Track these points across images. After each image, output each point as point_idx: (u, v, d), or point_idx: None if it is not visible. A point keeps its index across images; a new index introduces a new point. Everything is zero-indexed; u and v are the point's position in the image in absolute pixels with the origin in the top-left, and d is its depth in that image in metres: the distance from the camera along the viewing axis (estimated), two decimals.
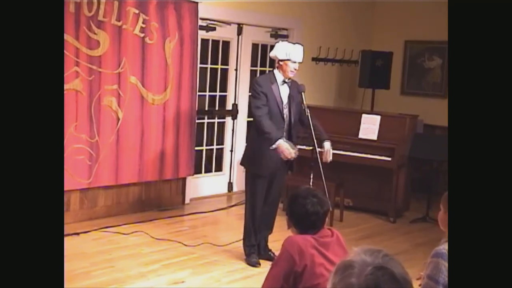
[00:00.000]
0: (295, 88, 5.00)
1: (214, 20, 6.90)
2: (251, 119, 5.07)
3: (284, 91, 4.96)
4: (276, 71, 4.98)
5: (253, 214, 5.04)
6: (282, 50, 4.88)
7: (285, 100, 4.95)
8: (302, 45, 4.99)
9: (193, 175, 6.80)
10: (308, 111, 4.86)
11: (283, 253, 2.89)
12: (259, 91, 4.85)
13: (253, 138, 5.07)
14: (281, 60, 4.89)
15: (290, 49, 4.87)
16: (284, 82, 4.95)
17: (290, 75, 4.93)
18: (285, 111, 4.96)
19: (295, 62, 4.88)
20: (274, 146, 4.75)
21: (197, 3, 6.44)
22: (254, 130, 5.05)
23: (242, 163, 5.26)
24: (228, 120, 7.44)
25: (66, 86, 5.49)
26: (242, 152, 7.39)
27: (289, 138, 5.01)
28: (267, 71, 7.31)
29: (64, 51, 5.41)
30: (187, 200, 6.85)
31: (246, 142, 5.21)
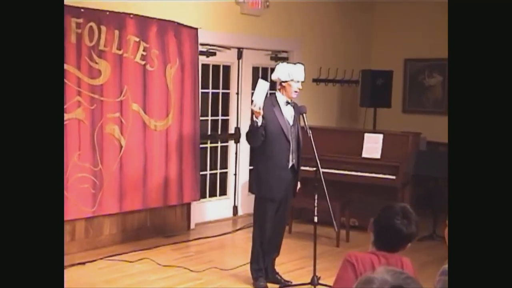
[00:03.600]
0: (297, 110, 5.02)
1: (214, 45, 6.95)
2: None
3: (288, 113, 4.97)
4: (278, 94, 4.99)
5: (262, 239, 5.01)
6: (284, 71, 4.89)
7: (290, 121, 4.95)
8: (303, 64, 5.01)
9: (199, 199, 6.80)
10: (310, 132, 4.86)
11: (342, 265, 2.79)
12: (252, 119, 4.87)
13: (259, 163, 5.05)
14: (284, 81, 4.91)
15: (292, 70, 4.89)
16: (287, 103, 4.96)
17: (294, 95, 4.94)
18: (291, 132, 4.96)
19: (298, 82, 4.90)
20: (258, 121, 4.72)
21: (196, 29, 6.50)
22: (258, 153, 5.04)
23: (250, 190, 5.24)
24: (231, 143, 7.46)
25: (68, 116, 5.53)
26: (247, 176, 7.52)
27: (298, 159, 5.01)
28: (268, 94, 7.34)
29: (66, 81, 5.46)
30: (192, 225, 6.83)
31: (253, 167, 5.20)
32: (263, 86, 4.70)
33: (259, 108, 4.66)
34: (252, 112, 4.77)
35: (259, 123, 4.72)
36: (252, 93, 7.49)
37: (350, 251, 2.96)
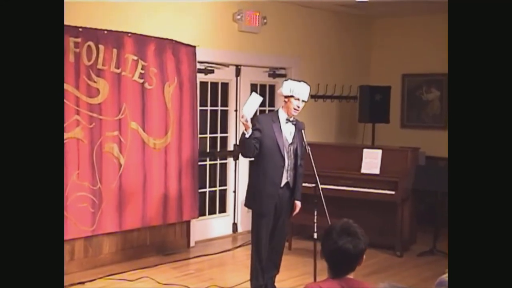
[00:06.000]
0: (296, 126, 5.02)
1: (212, 63, 6.97)
2: (253, 159, 5.08)
3: (288, 130, 4.96)
4: (280, 110, 4.99)
5: (259, 254, 4.99)
6: (287, 86, 4.91)
7: (289, 139, 4.95)
8: (308, 85, 5.00)
9: (198, 217, 6.78)
10: (309, 148, 4.86)
11: None
12: (255, 126, 4.86)
13: (253, 176, 5.06)
14: (286, 97, 4.92)
15: (294, 86, 4.89)
16: (288, 120, 4.95)
17: (293, 112, 4.92)
18: (289, 150, 4.94)
19: (298, 100, 4.90)
20: (247, 133, 4.71)
21: (194, 46, 6.52)
22: (253, 168, 5.05)
23: (245, 204, 5.24)
24: (230, 161, 7.45)
25: (67, 135, 5.53)
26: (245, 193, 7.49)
27: (294, 178, 5.00)
28: (266, 111, 7.36)
29: (65, 100, 5.46)
30: (192, 243, 6.81)
31: (248, 181, 5.20)
32: (255, 99, 4.70)
33: (246, 121, 4.67)
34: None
35: (247, 135, 4.73)
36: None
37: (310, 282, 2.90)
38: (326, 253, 2.78)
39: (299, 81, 5.06)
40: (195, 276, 5.81)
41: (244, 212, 7.48)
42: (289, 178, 4.96)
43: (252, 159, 5.06)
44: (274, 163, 4.87)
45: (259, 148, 4.83)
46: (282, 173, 4.91)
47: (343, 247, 2.70)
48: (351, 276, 2.78)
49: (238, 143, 4.96)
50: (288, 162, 4.93)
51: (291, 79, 5.13)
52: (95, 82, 5.74)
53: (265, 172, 4.89)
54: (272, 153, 4.86)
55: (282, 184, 4.93)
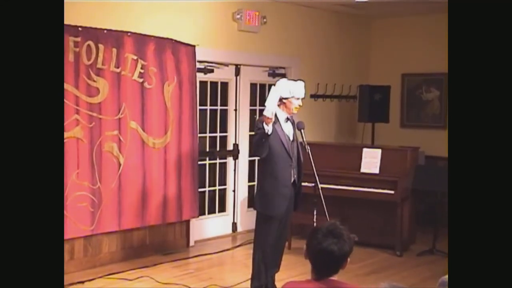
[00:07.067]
0: (296, 125, 5.03)
1: (212, 62, 6.97)
2: (252, 158, 5.08)
3: (288, 129, 4.97)
4: (278, 110, 4.98)
5: (264, 256, 4.97)
6: (285, 88, 4.89)
7: (290, 137, 4.96)
8: (303, 81, 5.03)
9: (198, 216, 6.78)
10: (309, 147, 4.87)
11: None
12: (259, 128, 4.85)
13: (263, 179, 5.02)
14: (285, 98, 4.92)
15: (293, 87, 4.90)
16: (287, 119, 4.97)
17: (295, 112, 4.96)
18: (292, 147, 4.95)
19: (298, 99, 4.91)
20: (268, 129, 4.64)
21: (194, 46, 6.52)
22: (262, 170, 5.03)
23: (254, 207, 5.16)
24: (230, 160, 7.45)
25: (67, 134, 5.52)
26: (246, 193, 7.50)
27: (299, 175, 5.01)
28: None
29: (64, 99, 5.46)
30: (191, 243, 6.81)
31: (257, 185, 5.16)
32: (277, 92, 4.68)
33: (272, 114, 4.62)
34: (261, 120, 4.69)
35: (269, 132, 4.67)
36: (250, 110, 7.56)
37: (290, 280, 2.93)
38: (310, 254, 2.75)
39: (295, 80, 5.06)
40: (194, 275, 5.82)
41: (244, 211, 7.48)
42: (295, 176, 4.98)
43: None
44: (283, 163, 4.87)
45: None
46: (291, 172, 4.92)
47: (327, 249, 2.67)
48: (334, 278, 2.74)
49: (257, 141, 4.79)
50: (293, 159, 4.94)
51: (282, 79, 5.11)
52: (94, 81, 5.74)
53: (276, 174, 4.87)
54: (280, 154, 4.85)
55: (291, 183, 4.95)
